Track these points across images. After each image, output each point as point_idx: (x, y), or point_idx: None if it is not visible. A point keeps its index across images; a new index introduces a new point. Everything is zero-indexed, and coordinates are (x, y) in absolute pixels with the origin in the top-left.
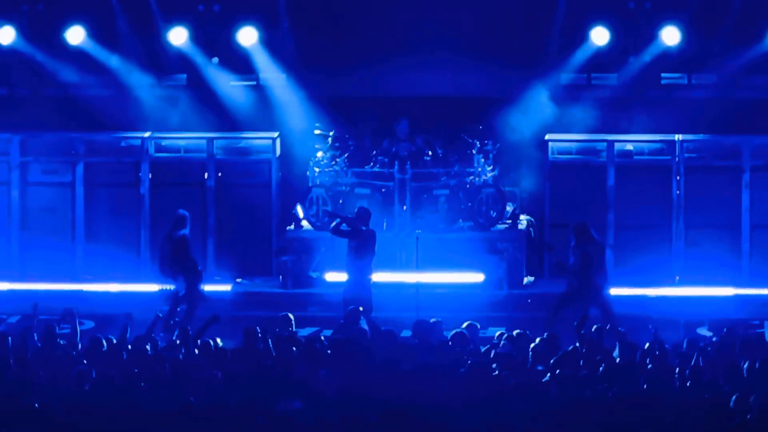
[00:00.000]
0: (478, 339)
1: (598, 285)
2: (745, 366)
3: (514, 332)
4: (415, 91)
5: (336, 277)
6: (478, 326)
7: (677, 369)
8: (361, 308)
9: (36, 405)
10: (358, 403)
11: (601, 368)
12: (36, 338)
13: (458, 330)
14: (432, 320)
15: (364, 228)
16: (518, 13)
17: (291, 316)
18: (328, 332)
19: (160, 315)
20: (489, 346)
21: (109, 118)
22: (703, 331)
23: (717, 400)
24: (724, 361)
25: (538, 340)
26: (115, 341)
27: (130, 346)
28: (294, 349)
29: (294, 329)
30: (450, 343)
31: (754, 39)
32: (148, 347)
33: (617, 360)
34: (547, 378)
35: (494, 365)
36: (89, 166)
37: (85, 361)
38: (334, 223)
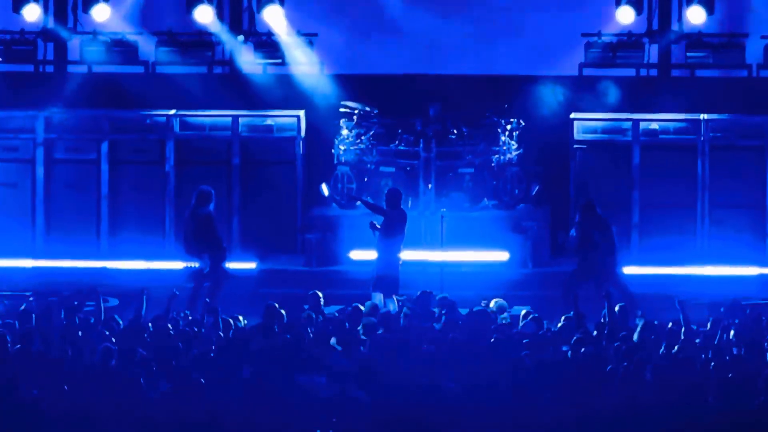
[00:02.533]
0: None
1: (604, 262)
2: None
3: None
4: (441, 69)
5: (361, 255)
6: (506, 304)
7: (701, 347)
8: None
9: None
10: (382, 381)
11: (623, 347)
12: (62, 315)
13: (480, 307)
14: (439, 296)
15: (394, 209)
16: None
17: (320, 294)
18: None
19: (177, 293)
20: (512, 323)
21: (135, 96)
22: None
23: (741, 379)
24: (747, 339)
25: (563, 318)
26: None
27: (150, 325)
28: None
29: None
30: (473, 320)
31: None
32: (169, 326)
33: (638, 339)
34: (569, 356)
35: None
36: (114, 144)
37: (112, 338)
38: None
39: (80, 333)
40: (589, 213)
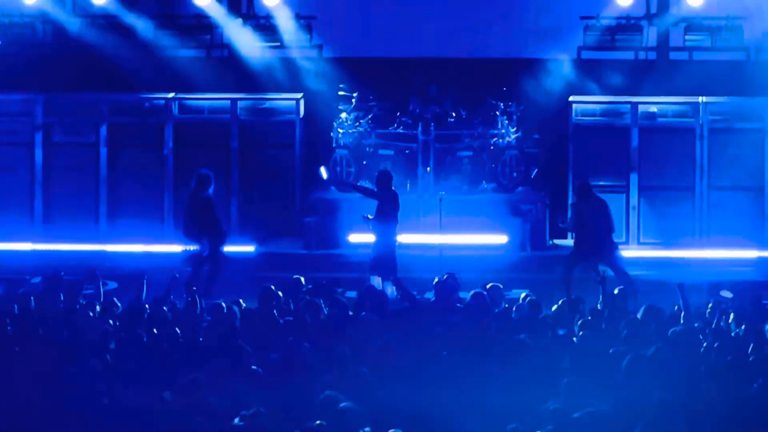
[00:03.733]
0: (502, 300)
1: (599, 244)
2: None
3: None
4: (440, 52)
5: (360, 238)
6: (501, 287)
7: (701, 330)
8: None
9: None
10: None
11: (624, 332)
12: (61, 298)
13: (478, 290)
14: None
15: (386, 191)
16: None
17: (302, 279)
18: (352, 293)
19: (177, 276)
20: (510, 307)
21: (134, 79)
22: (726, 294)
23: (741, 361)
24: (747, 322)
25: (560, 301)
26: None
27: (148, 307)
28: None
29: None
30: (470, 303)
31: None
32: (165, 309)
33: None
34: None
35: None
36: (113, 127)
37: (110, 321)
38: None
39: (80, 316)
40: (585, 194)
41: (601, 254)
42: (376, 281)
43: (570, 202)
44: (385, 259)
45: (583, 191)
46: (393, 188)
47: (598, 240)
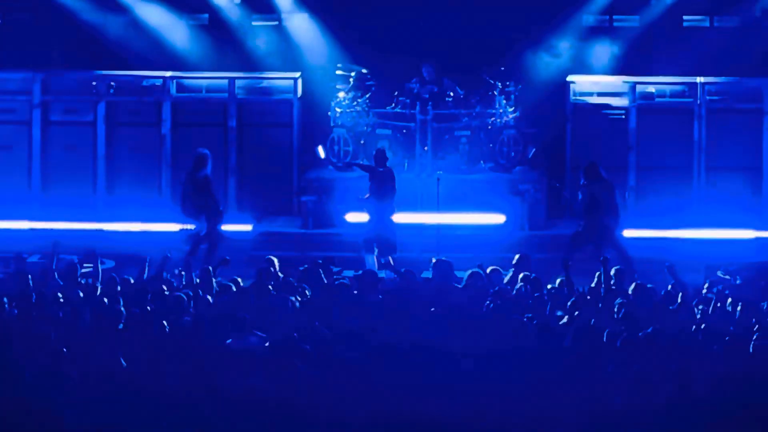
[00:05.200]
0: (500, 282)
1: (608, 225)
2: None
3: (532, 275)
4: (437, 31)
5: (357, 217)
6: (500, 270)
7: (698, 310)
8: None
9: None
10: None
11: (620, 312)
12: (57, 277)
13: (474, 270)
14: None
15: (382, 168)
16: None
17: (274, 258)
18: (350, 273)
19: (169, 255)
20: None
21: (131, 58)
22: (723, 274)
23: (738, 342)
24: (745, 302)
25: (558, 281)
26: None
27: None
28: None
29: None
30: (467, 283)
31: None
32: (164, 287)
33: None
34: (564, 321)
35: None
36: (111, 106)
37: (106, 299)
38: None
39: (80, 294)
40: (593, 175)
41: (604, 235)
42: (370, 260)
43: (581, 182)
44: (383, 237)
45: (592, 171)
46: (389, 166)
47: (604, 221)
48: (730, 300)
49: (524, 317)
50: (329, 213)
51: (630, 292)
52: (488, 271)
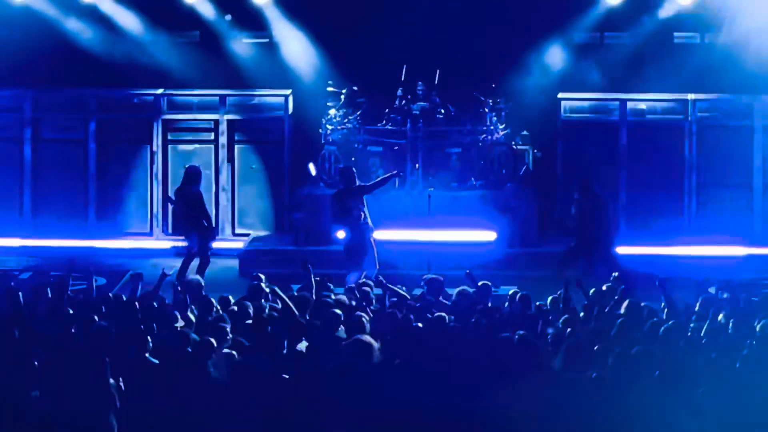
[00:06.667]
0: (490, 298)
1: (600, 241)
2: (758, 325)
3: (522, 293)
4: (429, 48)
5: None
6: (490, 284)
7: (690, 328)
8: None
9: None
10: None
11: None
12: (48, 294)
13: (463, 288)
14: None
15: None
16: None
17: (262, 275)
18: (340, 290)
19: (167, 272)
20: (497, 305)
21: (122, 75)
22: (714, 291)
23: (729, 360)
24: (737, 319)
25: (549, 299)
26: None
27: (137, 304)
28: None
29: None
30: (456, 300)
31: None
32: (155, 304)
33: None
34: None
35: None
36: (102, 123)
37: (96, 317)
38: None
39: (70, 311)
40: (585, 191)
41: (597, 252)
42: (352, 278)
43: (574, 197)
44: (359, 251)
45: (585, 188)
46: (358, 182)
47: (597, 237)
48: (721, 316)
49: (515, 335)
50: (320, 230)
51: (622, 310)
52: (479, 284)
